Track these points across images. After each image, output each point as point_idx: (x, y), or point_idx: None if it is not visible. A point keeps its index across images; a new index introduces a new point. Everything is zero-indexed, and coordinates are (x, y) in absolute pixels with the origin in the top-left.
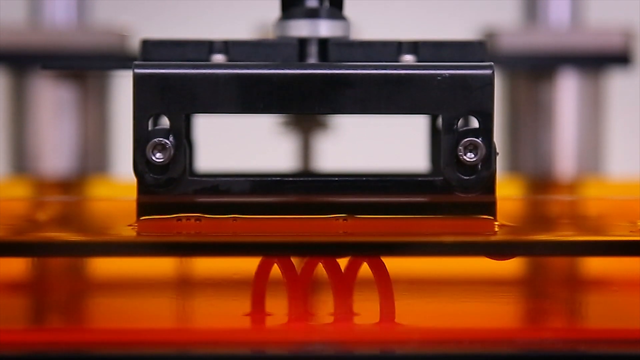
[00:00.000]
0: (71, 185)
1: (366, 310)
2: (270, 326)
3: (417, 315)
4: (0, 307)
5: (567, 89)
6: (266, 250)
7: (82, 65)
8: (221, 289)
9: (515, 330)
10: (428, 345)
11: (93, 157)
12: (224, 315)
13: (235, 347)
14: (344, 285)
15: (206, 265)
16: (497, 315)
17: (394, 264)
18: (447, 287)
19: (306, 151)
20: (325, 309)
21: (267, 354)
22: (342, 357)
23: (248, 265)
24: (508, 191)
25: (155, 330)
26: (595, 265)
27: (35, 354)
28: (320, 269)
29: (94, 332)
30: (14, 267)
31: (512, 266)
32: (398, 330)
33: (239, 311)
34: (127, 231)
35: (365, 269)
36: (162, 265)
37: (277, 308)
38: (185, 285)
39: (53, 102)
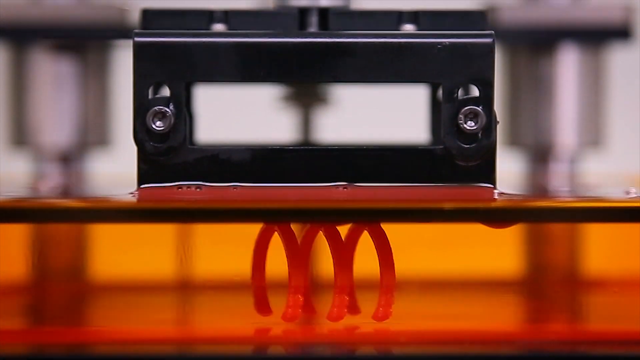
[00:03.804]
0: (71, 158)
1: (367, 310)
2: (271, 323)
3: (417, 316)
4: (1, 308)
5: (568, 63)
6: (266, 216)
7: (83, 36)
8: (221, 290)
9: (515, 331)
10: (428, 346)
11: (93, 130)
12: (224, 316)
13: (236, 346)
14: (345, 255)
15: (207, 267)
16: (498, 316)
17: (395, 264)
18: (448, 288)
19: (306, 125)
20: (325, 308)
21: (269, 352)
22: (342, 357)
23: (247, 263)
24: (508, 164)
25: (156, 330)
26: (595, 266)
27: (35, 354)
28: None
29: (94, 333)
30: (15, 268)
31: (512, 267)
32: (398, 331)
33: (239, 312)
34: (127, 198)
35: (367, 266)
36: (163, 267)
37: (278, 307)
38: (185, 287)
39: (53, 76)
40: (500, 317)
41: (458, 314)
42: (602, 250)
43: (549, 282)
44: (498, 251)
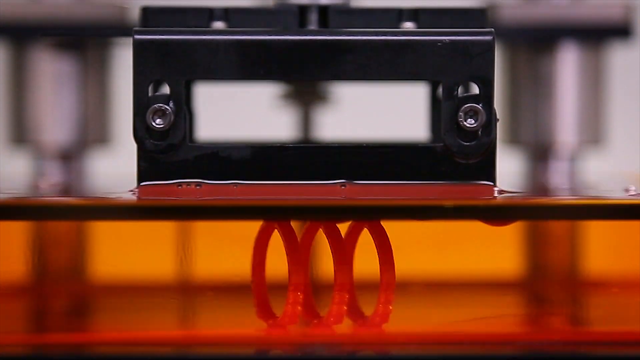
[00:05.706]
0: (71, 156)
1: (366, 311)
2: (272, 324)
3: (417, 316)
4: (1, 311)
5: (568, 62)
6: (266, 213)
7: (83, 33)
8: (221, 290)
9: (515, 332)
10: (428, 347)
11: (93, 128)
12: (225, 317)
13: (237, 347)
14: (345, 252)
15: (207, 267)
16: (498, 316)
17: (396, 267)
18: (448, 289)
19: (306, 123)
20: (326, 309)
21: (269, 353)
22: (342, 358)
23: (248, 263)
24: (508, 162)
25: (156, 331)
26: (595, 266)
27: (34, 356)
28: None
29: (94, 335)
30: (15, 268)
31: (512, 267)
32: (398, 332)
33: (239, 312)
34: (127, 196)
35: (367, 269)
36: (164, 267)
37: (279, 307)
38: (185, 287)
39: (53, 74)
40: (501, 318)
41: (458, 314)
42: (603, 250)
43: (549, 283)
44: (498, 252)
